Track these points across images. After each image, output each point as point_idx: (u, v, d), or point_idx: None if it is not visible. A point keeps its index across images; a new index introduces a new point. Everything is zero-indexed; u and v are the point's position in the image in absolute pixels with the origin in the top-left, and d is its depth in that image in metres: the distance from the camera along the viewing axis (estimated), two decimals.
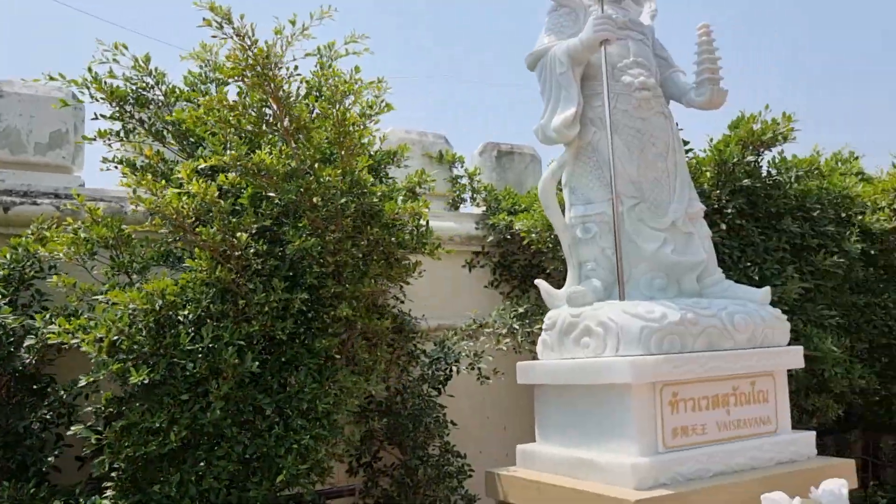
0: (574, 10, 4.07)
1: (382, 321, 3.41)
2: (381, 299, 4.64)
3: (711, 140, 4.76)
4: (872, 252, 5.31)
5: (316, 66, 3.74)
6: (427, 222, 3.54)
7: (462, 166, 5.40)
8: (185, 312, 2.93)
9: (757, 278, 4.41)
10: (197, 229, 2.96)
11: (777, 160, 5.02)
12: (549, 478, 3.52)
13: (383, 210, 3.23)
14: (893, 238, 5.42)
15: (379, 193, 3.33)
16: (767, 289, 3.84)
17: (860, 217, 5.30)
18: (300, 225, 3.14)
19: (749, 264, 4.47)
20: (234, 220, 3.02)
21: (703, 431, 3.43)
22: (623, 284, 3.64)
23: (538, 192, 3.97)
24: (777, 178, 4.78)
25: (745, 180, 4.59)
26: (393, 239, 3.32)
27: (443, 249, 3.75)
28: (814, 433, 3.77)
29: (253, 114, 3.22)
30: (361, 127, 3.17)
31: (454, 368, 4.52)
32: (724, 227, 4.52)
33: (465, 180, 5.41)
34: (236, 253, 3.03)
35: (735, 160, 4.63)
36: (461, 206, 5.42)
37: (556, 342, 3.76)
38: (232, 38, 2.99)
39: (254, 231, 3.10)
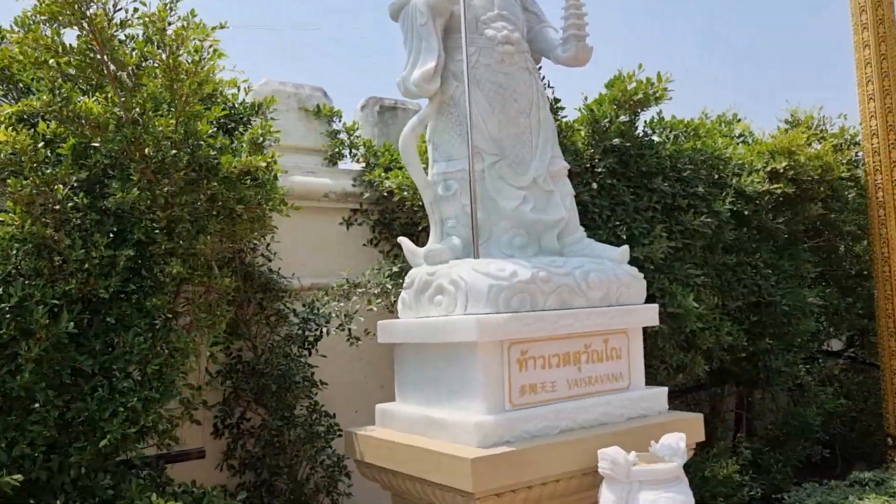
0: None
1: (223, 279, 3.26)
2: (250, 257, 4.49)
3: (586, 99, 4.74)
4: (746, 213, 5.44)
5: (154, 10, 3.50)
6: (274, 177, 3.39)
7: (341, 121, 5.24)
8: None
9: (625, 237, 4.45)
10: (9, 181, 2.74)
11: (654, 121, 5.04)
12: (403, 437, 3.48)
13: (220, 163, 3.07)
14: (767, 200, 5.56)
15: (218, 145, 3.16)
16: (625, 248, 3.86)
17: (736, 179, 5.41)
18: (128, 177, 2.95)
19: (618, 223, 4.49)
20: (49, 171, 2.80)
21: (552, 389, 3.44)
22: (478, 242, 3.58)
23: (399, 148, 3.86)
24: (651, 139, 4.80)
25: (617, 140, 4.59)
26: (232, 194, 3.16)
27: (294, 206, 3.62)
28: (665, 389, 3.85)
29: (78, 58, 2.98)
30: (192, 74, 2.97)
31: (324, 329, 4.42)
32: (595, 186, 4.52)
33: (344, 135, 5.25)
34: (55, 206, 2.83)
35: (608, 120, 4.62)
36: (340, 162, 5.27)
37: (414, 301, 3.70)
38: None
39: (74, 184, 2.89)
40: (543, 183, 3.82)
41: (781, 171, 5.49)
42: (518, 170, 3.79)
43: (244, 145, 3.34)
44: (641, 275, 3.83)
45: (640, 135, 4.88)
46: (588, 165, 4.56)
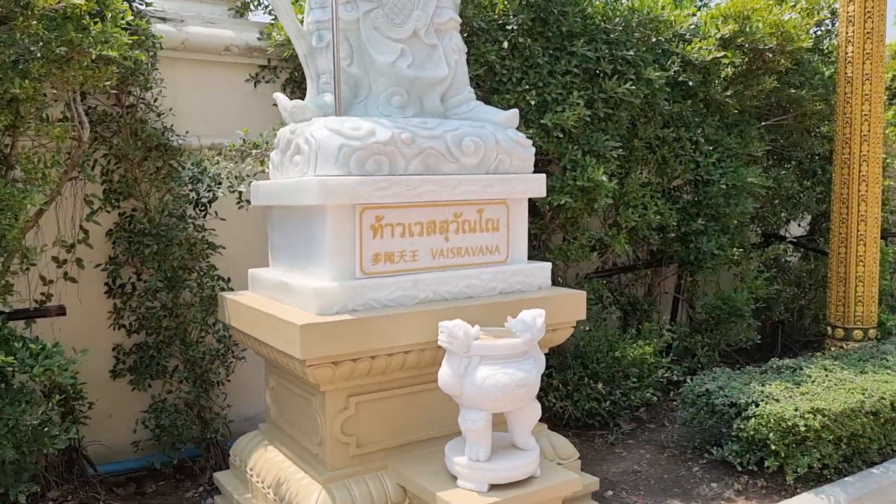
0: None
1: (51, 127, 3.04)
2: (141, 113, 4.24)
3: None
4: (690, 83, 5.04)
5: None
6: (119, 18, 3.07)
7: None
8: None
9: (533, 103, 4.12)
10: None
11: None
12: (259, 302, 3.36)
13: (35, 1, 2.77)
14: (715, 70, 5.14)
15: None
16: (513, 111, 3.56)
17: (682, 46, 4.98)
18: None
19: (528, 87, 4.15)
20: None
21: (413, 258, 3.26)
22: (340, 98, 3.30)
23: None
24: None
25: None
26: (55, 35, 2.88)
27: (183, 59, 3.32)
28: (548, 265, 3.65)
29: None
30: None
31: (215, 191, 4.23)
32: (505, 45, 4.15)
33: None
34: None
35: None
36: (249, 14, 4.90)
37: (279, 161, 3.48)
38: None
39: None
40: (426, 36, 3.48)
41: (730, 36, 5.03)
42: (396, 20, 3.44)
43: None
44: (529, 142, 3.55)
45: None
46: (500, 22, 4.17)
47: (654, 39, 4.69)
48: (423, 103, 3.54)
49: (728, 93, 5.19)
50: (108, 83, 3.38)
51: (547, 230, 4.54)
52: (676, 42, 5.04)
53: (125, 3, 3.84)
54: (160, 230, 4.05)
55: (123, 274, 4.24)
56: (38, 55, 2.91)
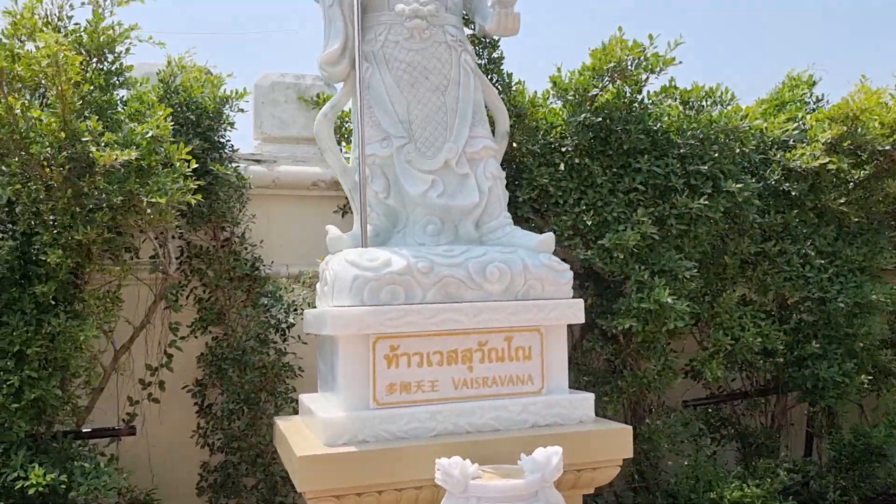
0: None
1: (113, 267, 3.42)
2: (237, 246, 4.64)
3: (559, 69, 4.28)
4: (793, 193, 4.63)
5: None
6: (145, 167, 3.46)
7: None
8: None
9: (591, 223, 3.98)
10: None
11: (663, 88, 4.45)
12: (291, 427, 3.44)
13: (96, 159, 3.21)
14: (827, 176, 4.68)
15: (105, 141, 3.31)
16: (546, 236, 3.47)
17: (781, 153, 4.62)
18: (9, 171, 3.20)
19: (586, 207, 4.03)
20: None
21: (432, 388, 3.20)
22: (366, 230, 3.41)
23: (314, 134, 3.78)
24: (638, 113, 4.24)
25: (585, 115, 4.11)
26: (115, 187, 3.30)
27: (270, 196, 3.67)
28: (590, 395, 3.41)
29: None
30: (65, 71, 3.13)
31: (291, 317, 4.47)
32: (562, 167, 4.09)
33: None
34: None
35: (580, 92, 4.16)
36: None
37: (319, 291, 3.63)
38: None
39: None
40: (457, 166, 3.54)
41: (837, 140, 4.58)
42: (428, 153, 3.55)
43: (141, 139, 3.44)
44: (565, 266, 3.42)
45: (632, 107, 4.31)
46: (554, 144, 4.14)
47: (738, 150, 4.39)
48: (457, 230, 3.56)
49: (843, 200, 4.68)
50: (177, 225, 3.74)
51: (622, 355, 4.25)
52: (774, 149, 4.68)
53: (220, 151, 4.37)
54: (236, 354, 4.32)
55: (210, 395, 4.53)
56: (101, 205, 3.34)
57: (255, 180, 4.73)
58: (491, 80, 4.15)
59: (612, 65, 4.07)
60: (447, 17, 3.62)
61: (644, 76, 4.27)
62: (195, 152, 4.19)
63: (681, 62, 4.33)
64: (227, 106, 4.52)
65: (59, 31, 3.73)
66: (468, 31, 4.16)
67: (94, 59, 3.79)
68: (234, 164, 4.56)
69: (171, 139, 3.65)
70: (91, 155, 3.22)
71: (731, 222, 4.40)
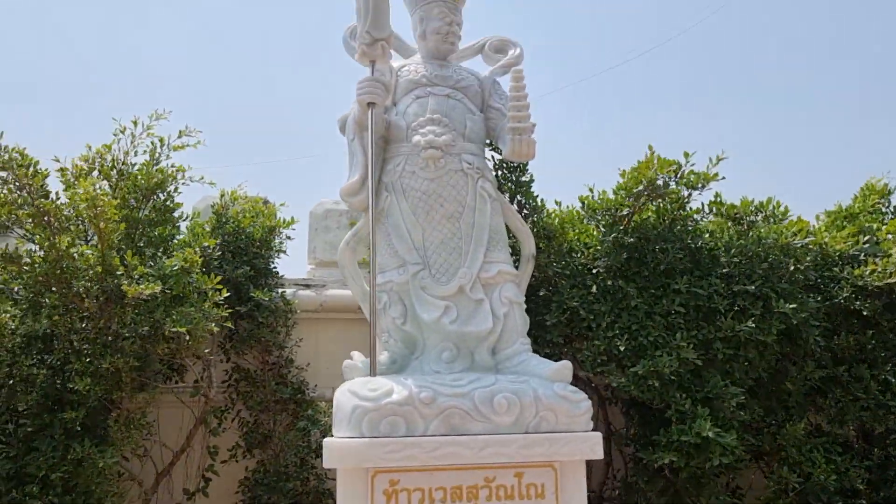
0: (384, 72, 3.95)
1: (139, 394, 3.55)
2: (284, 369, 4.74)
3: (592, 189, 4.21)
4: (865, 312, 4.23)
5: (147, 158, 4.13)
6: (175, 298, 3.62)
7: None
8: None
9: (623, 348, 3.77)
10: None
11: (691, 210, 4.27)
12: None
13: (126, 293, 3.41)
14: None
15: (137, 275, 3.53)
16: (561, 364, 3.30)
17: (848, 268, 4.27)
18: (49, 304, 3.45)
19: (620, 331, 3.83)
20: None
21: None
22: (375, 357, 3.38)
23: (338, 260, 3.87)
24: (678, 231, 4.07)
25: (620, 235, 3.98)
26: (144, 317, 3.48)
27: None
28: None
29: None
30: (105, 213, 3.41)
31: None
32: (594, 289, 3.95)
33: None
34: None
35: (615, 211, 4.06)
36: None
37: (332, 419, 3.59)
38: None
39: (7, 312, 3.47)
40: (471, 291, 3.49)
41: None
42: (442, 278, 3.53)
43: (171, 271, 3.65)
44: (581, 396, 3.22)
45: (673, 226, 4.15)
46: (586, 265, 4.02)
47: (792, 267, 4.09)
48: (473, 357, 3.47)
49: None
50: (223, 349, 3.88)
51: (668, 492, 3.89)
52: (841, 265, 4.34)
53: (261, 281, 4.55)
54: (272, 480, 4.30)
55: None
56: (127, 335, 3.51)
57: (304, 304, 4.87)
58: (519, 202, 4.14)
59: (644, 184, 3.96)
60: (464, 146, 3.68)
61: (686, 192, 4.14)
62: (239, 280, 4.39)
63: (724, 177, 4.18)
64: (274, 234, 4.73)
65: (122, 174, 4.10)
66: (496, 155, 4.22)
67: (151, 198, 4.12)
68: (281, 290, 4.73)
69: (202, 270, 3.85)
70: (122, 288, 3.43)
71: (790, 345, 4.04)
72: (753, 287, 3.93)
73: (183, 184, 4.22)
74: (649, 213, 4.17)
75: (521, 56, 4.20)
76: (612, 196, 4.12)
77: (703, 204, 4.27)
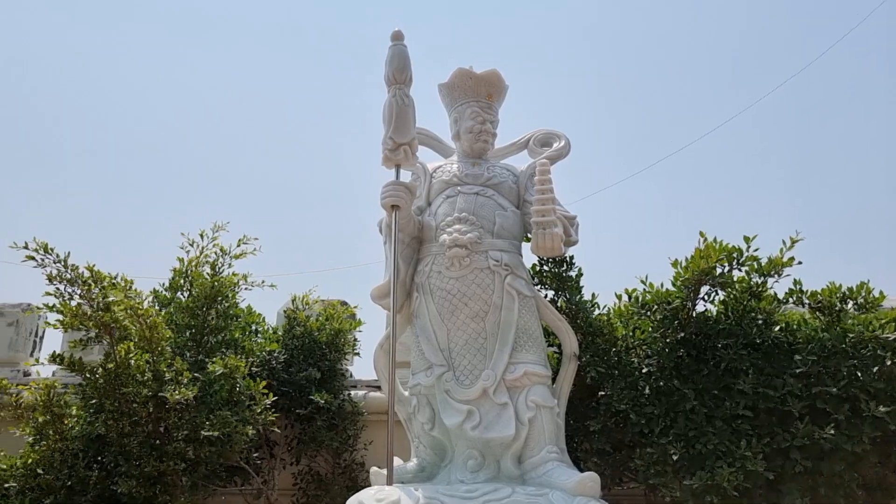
0: (419, 176, 4.00)
1: (189, 497, 3.67)
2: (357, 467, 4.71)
3: (645, 282, 3.90)
4: None
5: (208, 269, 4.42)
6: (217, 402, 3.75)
7: None
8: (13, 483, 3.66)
9: (677, 456, 3.37)
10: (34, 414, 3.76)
11: (760, 300, 3.83)
12: None
13: (167, 398, 3.60)
14: None
15: (185, 381, 3.72)
16: (586, 476, 3.01)
17: None
18: (107, 408, 3.71)
19: (673, 438, 3.45)
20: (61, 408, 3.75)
21: None
22: (391, 466, 3.25)
23: (373, 363, 3.84)
24: (744, 324, 3.66)
25: (672, 330, 3.64)
26: (183, 421, 3.63)
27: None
28: None
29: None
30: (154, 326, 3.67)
31: None
32: (646, 390, 3.61)
33: None
34: (62, 437, 3.73)
35: (667, 305, 3.73)
36: None
37: None
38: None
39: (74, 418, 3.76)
40: (495, 395, 3.32)
41: None
42: (465, 381, 3.39)
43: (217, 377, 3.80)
44: None
45: (743, 318, 3.73)
46: (636, 364, 3.70)
47: (889, 363, 3.50)
48: (500, 466, 3.27)
49: None
50: (256, 454, 3.96)
51: None
52: None
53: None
54: None
55: None
56: (175, 438, 3.66)
57: (375, 406, 4.86)
58: (565, 298, 3.93)
59: (701, 273, 3.63)
60: (492, 243, 3.59)
61: (759, 279, 3.74)
62: (301, 383, 4.49)
63: (800, 262, 3.75)
64: (340, 337, 4.82)
65: (193, 284, 4.41)
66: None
67: (213, 305, 4.37)
68: (350, 392, 4.77)
69: (266, 373, 3.98)
70: (163, 393, 3.62)
71: (885, 455, 3.42)
72: (837, 388, 3.40)
73: (245, 289, 4.44)
74: (713, 306, 3.79)
75: (565, 148, 4.11)
76: (668, 288, 3.80)
77: (775, 293, 3.81)
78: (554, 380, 3.59)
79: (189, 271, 4.45)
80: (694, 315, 3.73)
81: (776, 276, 3.77)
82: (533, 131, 4.25)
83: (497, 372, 3.34)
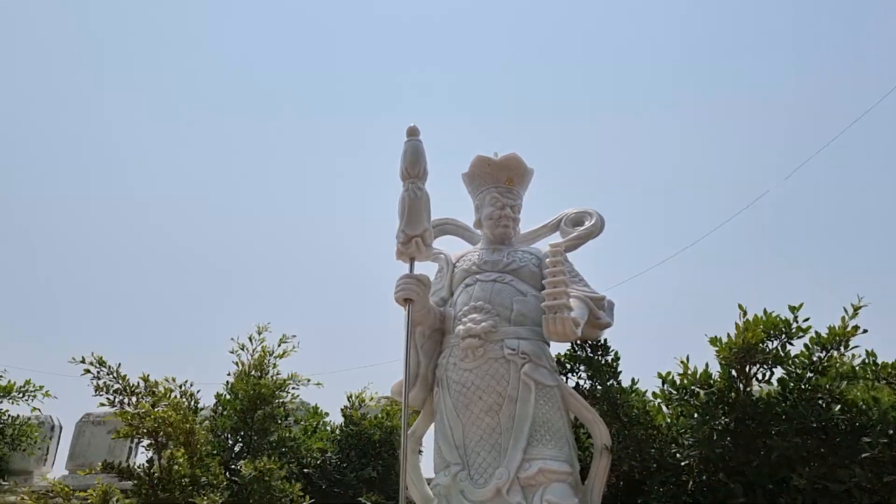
0: (442, 267, 3.95)
1: None
2: None
3: (687, 363, 3.53)
4: None
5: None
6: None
7: None
8: None
9: None
10: None
11: (820, 377, 3.38)
12: None
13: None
14: None
15: (222, 484, 3.79)
16: None
17: None
18: None
19: None
20: None
21: None
22: None
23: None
24: (801, 407, 3.23)
25: (713, 417, 3.27)
26: None
27: None
28: None
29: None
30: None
31: None
32: (689, 485, 3.24)
33: None
34: None
35: (708, 386, 3.38)
36: None
37: None
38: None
39: None
40: (509, 494, 3.11)
41: None
42: (479, 480, 3.21)
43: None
44: None
45: (805, 397, 3.30)
46: (678, 456, 3.33)
47: None
48: None
49: None
50: None
51: None
52: None
53: None
54: None
55: None
56: None
57: None
58: (600, 385, 3.65)
59: (741, 349, 3.28)
60: (508, 330, 3.44)
61: (822, 354, 3.32)
62: (353, 483, 4.43)
63: (866, 330, 3.31)
64: (397, 435, 4.73)
65: (246, 386, 4.54)
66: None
67: (261, 406, 4.46)
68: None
69: (318, 474, 3.99)
70: (192, 499, 3.69)
71: None
72: None
73: (293, 388, 4.51)
74: (768, 385, 3.39)
75: (596, 226, 3.94)
76: (710, 369, 3.45)
77: (838, 368, 3.35)
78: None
79: (247, 373, 4.60)
80: (742, 398, 3.34)
81: (841, 347, 3.34)
82: (566, 211, 4.12)
83: (511, 470, 3.13)
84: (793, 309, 3.30)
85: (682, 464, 3.30)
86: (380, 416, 4.81)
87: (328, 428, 4.91)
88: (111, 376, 4.05)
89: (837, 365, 3.37)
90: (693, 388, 3.42)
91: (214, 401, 4.77)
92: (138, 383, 4.10)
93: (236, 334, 4.67)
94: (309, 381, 4.59)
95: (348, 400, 4.93)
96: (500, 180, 3.93)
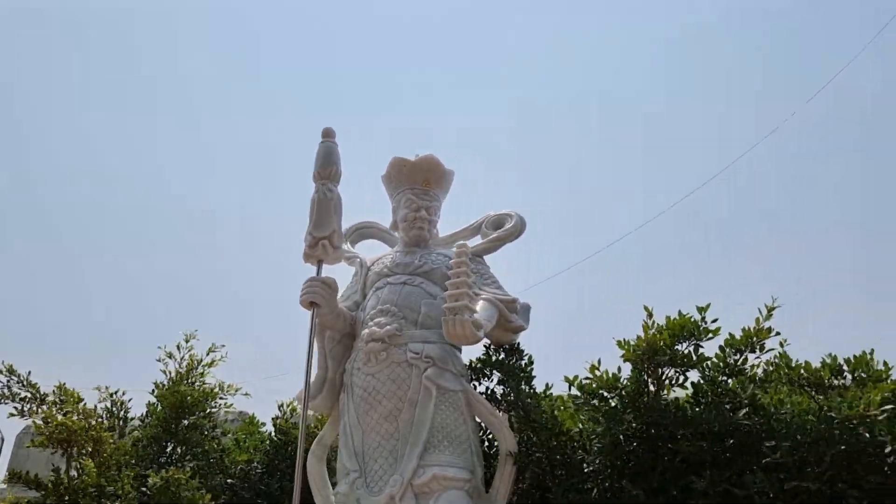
0: (357, 271, 3.87)
1: None
2: None
3: (595, 367, 3.39)
4: None
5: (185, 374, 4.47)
6: None
7: None
8: None
9: None
10: None
11: (732, 381, 3.28)
12: None
13: None
14: None
15: (131, 493, 3.69)
16: None
17: None
18: None
19: None
20: None
21: None
22: None
23: (307, 470, 3.60)
24: (707, 411, 3.13)
25: (612, 421, 3.17)
26: None
27: None
28: None
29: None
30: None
31: None
32: (594, 492, 3.13)
33: None
34: None
35: (614, 389, 3.28)
36: None
37: None
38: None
39: None
40: (402, 501, 3.01)
41: None
42: (375, 487, 3.11)
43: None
44: None
45: (723, 401, 3.19)
46: (584, 462, 3.23)
47: (889, 448, 2.82)
48: None
49: None
50: None
51: None
52: None
53: None
54: None
55: None
56: None
57: None
58: (515, 390, 3.54)
59: (645, 352, 3.18)
60: (414, 334, 3.35)
61: (737, 358, 3.23)
62: (276, 494, 4.33)
63: (778, 332, 3.23)
64: None
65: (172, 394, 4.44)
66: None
67: (185, 416, 4.36)
68: None
69: (244, 484, 3.91)
70: None
71: None
72: (815, 484, 2.78)
73: (221, 398, 4.41)
74: (683, 390, 3.29)
75: (515, 227, 3.86)
76: (623, 373, 3.35)
77: (754, 371, 3.25)
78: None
79: (177, 382, 4.50)
80: (652, 402, 3.24)
81: (756, 350, 3.24)
82: (488, 214, 4.03)
83: (405, 476, 3.03)
84: (701, 310, 3.21)
85: (587, 470, 3.19)
86: (311, 425, 4.71)
87: (261, 438, 4.81)
88: (19, 384, 3.96)
89: (750, 368, 3.27)
90: (601, 392, 3.32)
91: (145, 410, 4.68)
92: (53, 391, 4.01)
93: (164, 342, 4.59)
94: (238, 390, 4.49)
95: (279, 409, 4.82)
96: (416, 182, 3.85)
